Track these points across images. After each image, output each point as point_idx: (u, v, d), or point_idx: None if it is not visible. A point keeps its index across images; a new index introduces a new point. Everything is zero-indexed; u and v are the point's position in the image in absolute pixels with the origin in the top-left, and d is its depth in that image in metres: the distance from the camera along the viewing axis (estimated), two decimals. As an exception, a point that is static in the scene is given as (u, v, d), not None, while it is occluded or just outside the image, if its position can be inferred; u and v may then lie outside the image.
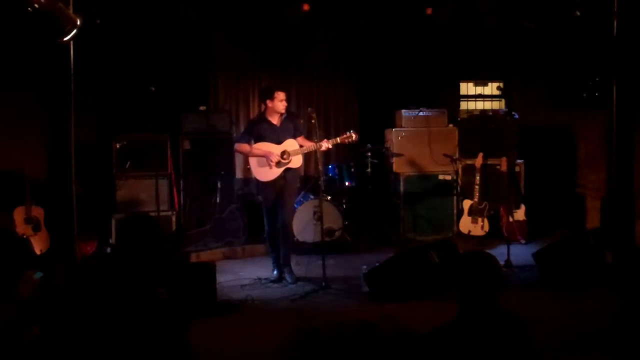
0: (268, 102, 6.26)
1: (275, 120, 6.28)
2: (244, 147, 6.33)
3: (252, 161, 6.31)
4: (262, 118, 6.35)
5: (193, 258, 7.12)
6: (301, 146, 6.27)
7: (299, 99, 8.79)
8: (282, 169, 6.20)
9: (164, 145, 7.61)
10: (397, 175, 8.24)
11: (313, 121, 6.15)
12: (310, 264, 6.57)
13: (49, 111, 5.74)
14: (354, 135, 6.30)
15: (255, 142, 6.29)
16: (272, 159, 6.16)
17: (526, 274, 6.28)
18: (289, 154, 6.20)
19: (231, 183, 8.02)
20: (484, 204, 7.85)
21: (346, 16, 8.56)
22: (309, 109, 6.43)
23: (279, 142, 6.24)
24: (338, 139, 6.29)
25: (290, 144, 6.23)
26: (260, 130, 6.28)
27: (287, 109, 6.35)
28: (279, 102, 6.21)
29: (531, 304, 5.18)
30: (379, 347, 4.57)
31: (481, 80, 9.44)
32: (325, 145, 6.21)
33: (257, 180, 6.37)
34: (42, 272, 3.39)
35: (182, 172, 7.82)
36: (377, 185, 8.25)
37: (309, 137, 6.52)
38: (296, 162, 6.26)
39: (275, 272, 6.36)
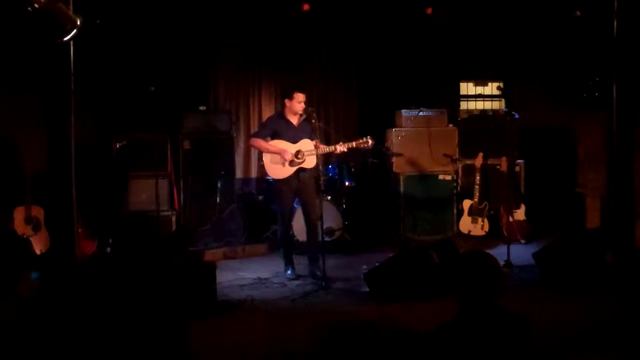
0: (286, 101, 6.31)
1: (293, 120, 6.33)
2: (260, 142, 6.35)
3: (266, 157, 6.35)
4: (281, 116, 6.42)
5: (194, 258, 7.12)
6: (317, 147, 6.24)
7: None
8: (295, 168, 6.23)
9: (164, 145, 7.61)
10: (397, 175, 8.23)
11: (313, 121, 6.16)
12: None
13: (49, 111, 5.74)
14: (370, 141, 6.25)
15: (272, 139, 6.34)
16: (286, 157, 6.20)
17: (526, 274, 6.27)
18: (303, 154, 6.22)
19: (231, 183, 8.02)
20: (484, 204, 7.85)
21: (346, 16, 8.57)
22: (309, 108, 6.42)
23: (295, 142, 6.27)
24: (354, 143, 6.25)
25: (306, 144, 6.24)
26: (277, 128, 6.34)
27: (304, 113, 6.31)
28: (297, 103, 6.23)
29: (531, 304, 5.17)
30: (379, 347, 4.57)
31: (481, 80, 9.45)
32: (340, 148, 6.20)
33: (272, 180, 6.42)
34: (41, 272, 3.40)
35: (182, 172, 7.81)
36: (377, 185, 8.24)
37: (310, 137, 6.44)
38: (310, 162, 6.24)
39: (289, 271, 6.38)
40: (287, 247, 6.51)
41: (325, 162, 8.08)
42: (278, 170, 6.26)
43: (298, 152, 6.23)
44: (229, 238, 7.68)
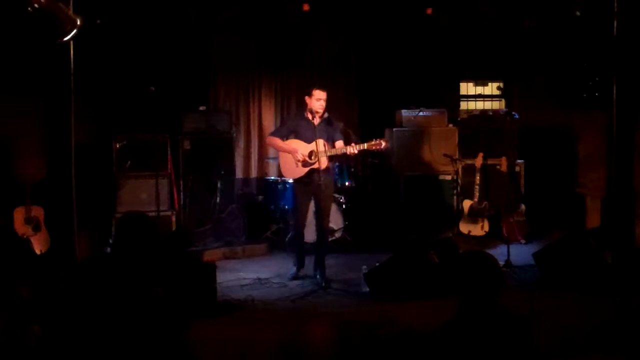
0: (306, 98, 6.18)
1: (314, 119, 6.13)
2: (275, 141, 6.29)
3: (281, 157, 6.31)
4: (301, 115, 6.32)
5: (195, 257, 7.12)
6: (332, 148, 6.11)
7: (299, 99, 8.79)
8: (308, 169, 6.08)
9: (164, 145, 7.61)
10: (397, 175, 8.23)
11: (320, 122, 6.12)
12: (311, 263, 6.56)
13: (49, 111, 5.74)
14: (383, 143, 5.97)
15: (291, 137, 6.26)
16: (298, 157, 6.08)
17: (526, 274, 6.28)
18: (316, 155, 6.02)
19: (231, 183, 8.02)
20: (484, 204, 7.85)
21: (346, 16, 8.56)
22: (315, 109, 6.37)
23: (310, 143, 6.10)
24: (365, 145, 6.01)
25: (319, 145, 6.00)
26: (296, 127, 6.26)
27: (326, 112, 6.16)
28: (316, 101, 6.06)
29: (531, 304, 5.17)
30: (379, 347, 4.56)
31: (481, 80, 9.44)
32: (351, 150, 5.99)
33: (291, 182, 6.33)
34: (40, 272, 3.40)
35: (182, 172, 7.81)
36: (377, 185, 8.23)
37: (329, 139, 6.19)
38: (323, 163, 6.04)
39: (293, 269, 6.38)
40: (298, 249, 6.42)
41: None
42: (291, 170, 6.19)
43: (311, 152, 6.06)
44: (229, 238, 7.68)
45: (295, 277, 6.32)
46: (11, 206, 6.88)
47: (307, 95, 6.18)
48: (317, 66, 8.98)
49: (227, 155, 7.99)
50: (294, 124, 6.33)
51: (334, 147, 6.14)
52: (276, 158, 7.51)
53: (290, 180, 6.55)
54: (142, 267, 3.53)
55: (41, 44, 5.58)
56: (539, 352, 2.93)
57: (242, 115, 8.78)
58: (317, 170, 6.06)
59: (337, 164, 7.95)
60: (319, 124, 6.10)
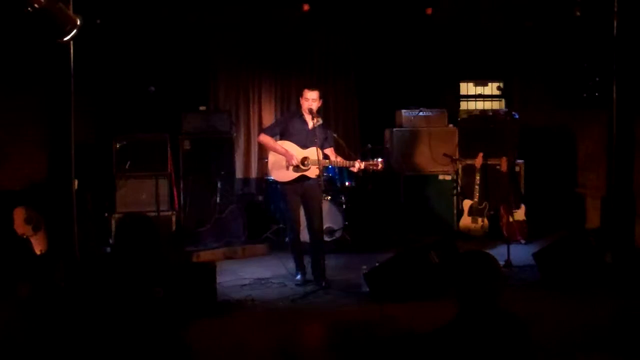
0: (300, 100, 6.11)
1: (309, 121, 6.07)
2: (268, 139, 6.17)
3: (271, 157, 6.19)
4: (297, 115, 6.19)
5: (193, 258, 7.12)
6: (326, 157, 6.06)
7: (299, 99, 8.78)
8: (298, 174, 6.01)
9: (164, 145, 7.60)
10: (397, 175, 8.23)
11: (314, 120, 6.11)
12: (311, 263, 6.56)
13: (49, 111, 5.75)
14: (380, 165, 6.02)
15: (282, 137, 6.15)
16: (291, 162, 5.99)
17: (526, 274, 6.28)
18: (309, 162, 5.98)
19: (231, 183, 8.02)
20: (484, 204, 7.85)
21: (346, 16, 8.57)
22: (309, 109, 6.37)
23: (304, 147, 6.04)
24: (363, 164, 6.02)
25: (314, 153, 5.92)
26: (290, 127, 6.13)
27: (320, 119, 6.09)
28: (305, 101, 6.01)
29: (531, 304, 5.18)
30: (379, 347, 4.56)
31: (481, 80, 9.44)
32: (359, 165, 5.99)
33: (279, 183, 6.24)
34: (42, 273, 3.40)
35: (182, 172, 7.81)
36: (377, 185, 8.24)
37: (321, 146, 6.09)
38: (314, 171, 6.00)
39: (298, 276, 6.22)
40: (297, 253, 6.31)
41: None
42: (281, 173, 6.09)
43: (305, 158, 6.00)
44: (229, 238, 7.68)
45: (303, 283, 6.15)
46: (11, 206, 6.88)
47: (300, 96, 6.13)
48: (316, 66, 8.99)
49: (227, 155, 7.99)
50: (287, 124, 6.21)
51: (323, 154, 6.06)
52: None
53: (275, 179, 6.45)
54: (142, 267, 3.53)
55: (41, 44, 5.59)
56: (538, 352, 2.93)
57: (242, 115, 8.79)
58: (307, 177, 6.04)
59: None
60: (314, 128, 6.03)
